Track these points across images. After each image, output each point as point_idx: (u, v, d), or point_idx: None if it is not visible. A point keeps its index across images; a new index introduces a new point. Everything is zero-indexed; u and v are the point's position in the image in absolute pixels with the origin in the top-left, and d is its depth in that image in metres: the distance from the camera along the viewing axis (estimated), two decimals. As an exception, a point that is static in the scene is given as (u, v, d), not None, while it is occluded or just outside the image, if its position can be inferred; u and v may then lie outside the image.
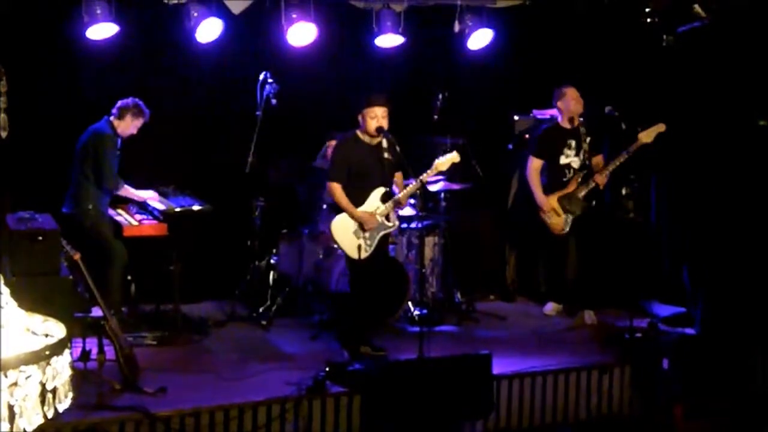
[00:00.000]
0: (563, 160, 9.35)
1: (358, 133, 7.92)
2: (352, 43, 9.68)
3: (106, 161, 8.33)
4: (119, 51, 8.81)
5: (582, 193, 9.26)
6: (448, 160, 7.99)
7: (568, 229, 9.31)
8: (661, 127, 8.94)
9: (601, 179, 9.17)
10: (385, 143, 7.89)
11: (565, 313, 9.54)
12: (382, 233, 7.99)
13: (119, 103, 8.43)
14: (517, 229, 10.31)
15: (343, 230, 7.89)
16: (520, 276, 10.43)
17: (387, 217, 8.00)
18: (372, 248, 7.92)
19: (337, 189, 7.87)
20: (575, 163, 9.34)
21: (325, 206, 8.57)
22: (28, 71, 8.23)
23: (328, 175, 7.98)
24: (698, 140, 9.17)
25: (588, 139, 9.28)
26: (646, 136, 8.94)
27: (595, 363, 8.07)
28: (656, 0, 9.31)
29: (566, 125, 9.32)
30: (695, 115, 9.20)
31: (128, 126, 8.45)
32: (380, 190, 7.96)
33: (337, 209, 7.94)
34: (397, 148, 7.81)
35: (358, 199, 7.91)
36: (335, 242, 8.01)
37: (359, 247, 7.81)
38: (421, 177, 7.90)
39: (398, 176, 8.13)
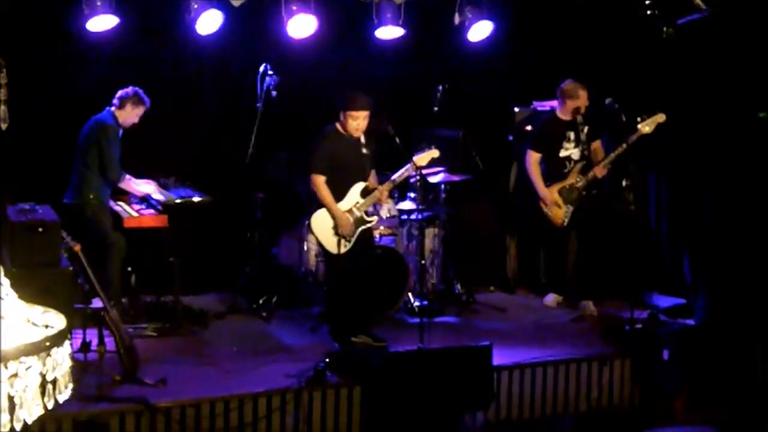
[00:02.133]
0: (563, 153, 9.33)
1: (338, 126, 7.91)
2: (352, 36, 9.67)
3: (109, 152, 8.33)
4: (119, 43, 8.81)
5: (581, 184, 9.25)
6: (427, 155, 8.03)
7: (567, 220, 9.32)
8: (660, 117, 8.90)
9: (600, 171, 9.16)
10: (363, 139, 7.88)
11: (566, 304, 9.55)
12: (361, 228, 7.97)
13: (119, 93, 8.43)
14: (517, 219, 10.30)
15: (323, 225, 7.86)
16: (521, 267, 10.43)
17: (367, 212, 7.99)
18: (351, 243, 7.90)
19: (320, 181, 7.81)
20: (575, 154, 9.32)
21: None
22: (29, 63, 8.23)
23: (310, 167, 7.89)
24: (698, 132, 9.16)
25: (586, 129, 9.27)
26: (646, 127, 8.91)
27: (596, 354, 8.08)
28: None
29: (565, 117, 9.30)
30: (695, 107, 9.18)
31: (129, 115, 8.46)
32: (360, 185, 7.95)
33: (318, 203, 7.90)
34: (398, 140, 7.82)
35: (339, 193, 7.88)
36: (315, 237, 7.99)
37: (339, 242, 7.80)
38: (399, 173, 8.02)
39: (371, 174, 8.12)
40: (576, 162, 9.32)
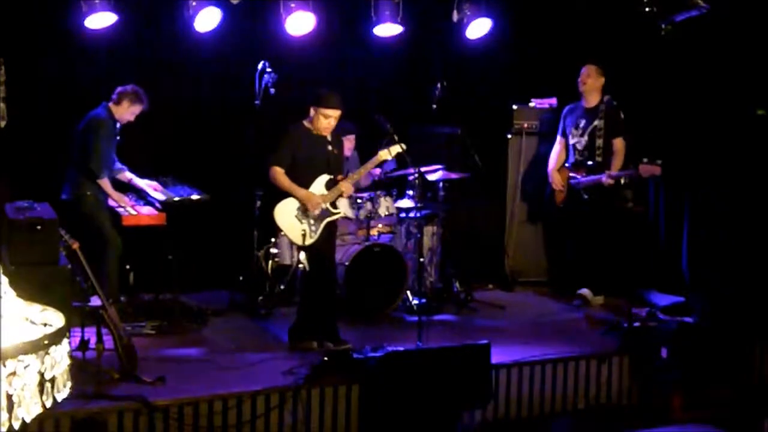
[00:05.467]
0: (571, 140, 9.54)
1: (306, 123, 7.83)
2: (351, 33, 9.67)
3: (96, 145, 8.28)
4: (118, 40, 8.81)
5: (584, 185, 9.36)
6: (393, 149, 7.95)
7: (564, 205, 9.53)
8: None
9: (608, 180, 9.15)
10: (329, 137, 7.83)
11: (562, 297, 9.61)
12: (327, 220, 7.87)
13: (119, 89, 8.41)
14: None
15: (286, 215, 7.77)
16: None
17: (333, 204, 7.92)
18: (317, 234, 7.80)
19: (278, 172, 7.72)
20: (579, 144, 9.44)
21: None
22: (27, 61, 8.22)
23: (270, 159, 7.79)
24: (696, 129, 9.16)
25: (601, 124, 9.26)
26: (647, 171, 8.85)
27: (594, 352, 8.07)
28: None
29: (585, 104, 9.47)
30: (693, 104, 9.18)
31: (125, 111, 8.43)
32: (324, 177, 7.85)
33: (280, 196, 7.82)
34: (396, 137, 7.79)
35: (302, 186, 7.79)
36: (279, 228, 7.93)
37: (304, 232, 7.72)
38: (364, 165, 8.01)
39: (341, 178, 8.03)
40: (581, 152, 9.44)
